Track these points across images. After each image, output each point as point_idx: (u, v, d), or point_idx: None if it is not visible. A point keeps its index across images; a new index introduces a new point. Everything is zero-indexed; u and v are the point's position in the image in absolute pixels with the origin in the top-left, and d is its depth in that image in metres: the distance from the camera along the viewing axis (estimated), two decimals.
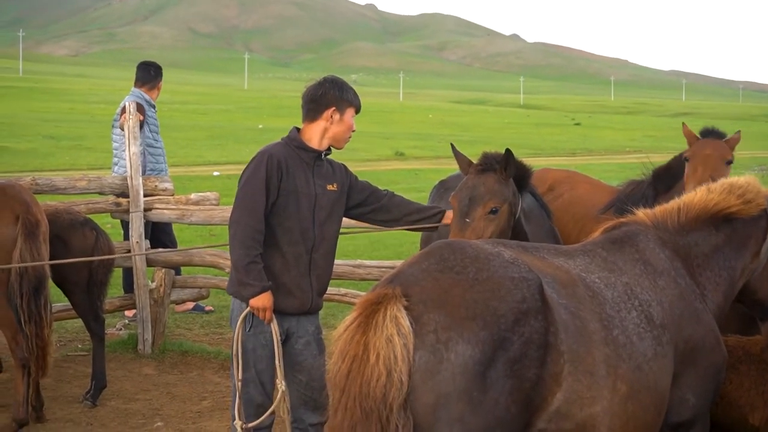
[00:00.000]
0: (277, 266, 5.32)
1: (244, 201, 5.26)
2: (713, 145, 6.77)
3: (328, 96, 5.41)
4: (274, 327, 5.27)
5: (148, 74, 10.64)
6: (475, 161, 5.82)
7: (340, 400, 3.76)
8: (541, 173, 7.58)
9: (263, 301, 5.19)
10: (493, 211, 5.56)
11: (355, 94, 5.52)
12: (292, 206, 5.30)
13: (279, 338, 5.27)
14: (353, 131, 5.54)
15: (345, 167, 5.68)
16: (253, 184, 5.26)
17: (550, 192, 7.55)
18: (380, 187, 5.92)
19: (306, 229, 5.34)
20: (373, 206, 5.75)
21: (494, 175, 5.65)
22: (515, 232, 5.72)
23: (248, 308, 5.26)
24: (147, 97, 10.45)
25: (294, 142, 5.44)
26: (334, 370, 3.81)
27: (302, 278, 5.36)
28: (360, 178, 5.79)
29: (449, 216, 5.80)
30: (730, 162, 6.67)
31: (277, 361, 5.27)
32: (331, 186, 5.47)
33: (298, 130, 5.51)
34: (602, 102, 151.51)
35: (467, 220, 5.55)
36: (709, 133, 6.96)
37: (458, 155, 5.96)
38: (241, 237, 5.19)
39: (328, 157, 5.56)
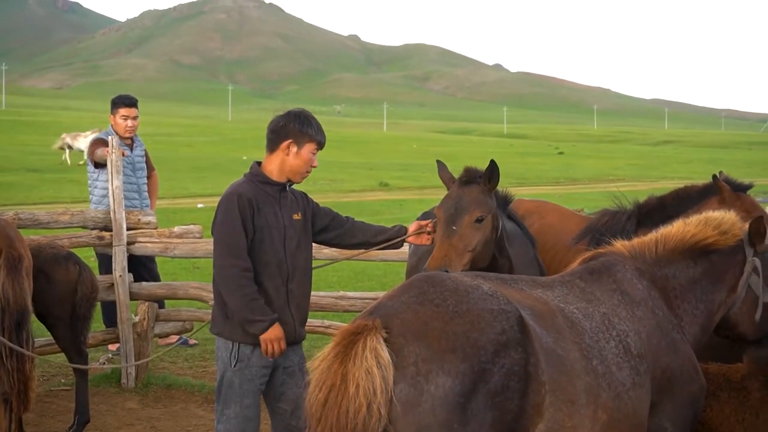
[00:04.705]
0: None
1: (227, 244, 5.25)
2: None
3: (288, 128, 5.39)
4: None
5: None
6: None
7: (316, 429, 3.78)
8: (513, 204, 7.50)
9: (275, 332, 5.21)
10: (479, 220, 5.60)
11: (318, 129, 5.45)
12: (266, 241, 5.31)
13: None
14: (313, 167, 5.50)
15: (305, 195, 5.69)
16: (229, 226, 5.24)
17: None
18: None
19: (280, 262, 5.35)
20: (337, 231, 5.76)
21: (478, 187, 5.73)
22: (499, 248, 5.76)
23: (234, 345, 5.29)
24: (113, 132, 10.27)
25: (257, 177, 5.44)
26: (311, 399, 3.81)
27: (283, 310, 5.36)
28: (321, 205, 5.80)
29: (412, 229, 5.85)
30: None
31: None
32: (296, 215, 5.48)
33: (259, 164, 5.51)
34: (585, 131, 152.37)
35: (454, 227, 5.57)
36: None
37: (443, 170, 6.00)
38: (235, 279, 5.19)
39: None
